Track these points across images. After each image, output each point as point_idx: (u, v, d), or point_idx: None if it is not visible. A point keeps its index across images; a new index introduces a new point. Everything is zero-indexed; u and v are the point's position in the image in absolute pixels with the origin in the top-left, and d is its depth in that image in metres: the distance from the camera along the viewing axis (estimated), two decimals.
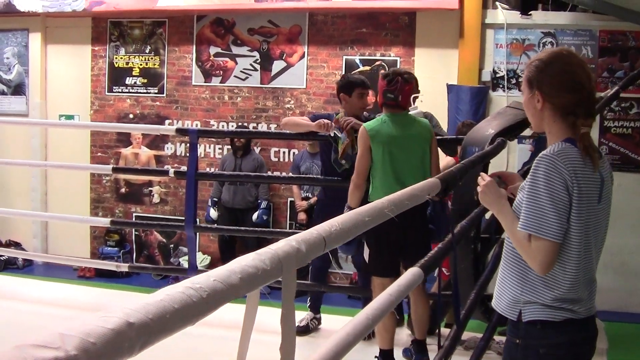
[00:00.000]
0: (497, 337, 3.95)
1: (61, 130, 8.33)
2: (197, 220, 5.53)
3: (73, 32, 8.20)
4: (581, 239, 1.95)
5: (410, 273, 2.12)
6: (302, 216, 7.05)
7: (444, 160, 4.68)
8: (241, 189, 7.18)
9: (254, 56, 7.67)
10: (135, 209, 8.15)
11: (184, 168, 5.52)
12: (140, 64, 8.05)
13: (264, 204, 7.23)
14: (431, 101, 6.06)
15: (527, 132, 4.14)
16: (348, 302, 6.36)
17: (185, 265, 7.19)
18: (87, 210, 8.23)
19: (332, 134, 4.24)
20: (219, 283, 0.91)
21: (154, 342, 0.79)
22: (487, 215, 3.91)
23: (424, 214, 3.82)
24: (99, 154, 8.21)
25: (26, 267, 8.12)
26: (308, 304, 4.59)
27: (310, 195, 6.95)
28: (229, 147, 7.55)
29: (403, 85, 3.81)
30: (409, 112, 3.97)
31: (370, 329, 1.77)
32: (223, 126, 7.76)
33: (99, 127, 7.96)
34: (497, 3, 6.90)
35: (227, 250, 7.15)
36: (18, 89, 8.45)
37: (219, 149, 7.81)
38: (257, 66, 7.66)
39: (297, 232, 1.43)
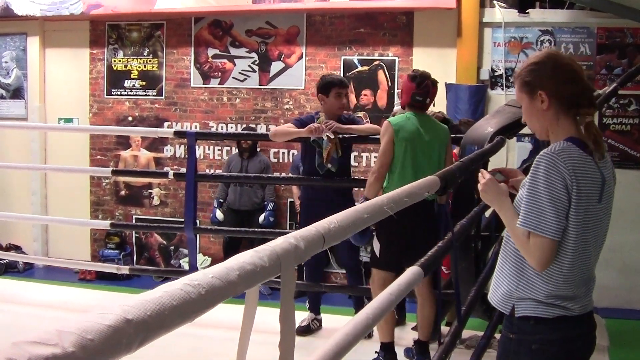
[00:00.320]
0: (498, 335, 3.95)
1: (60, 134, 8.34)
2: (198, 221, 5.54)
3: (71, 36, 8.21)
4: (578, 238, 1.95)
5: (410, 272, 2.12)
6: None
7: None
8: (247, 191, 7.15)
9: (252, 57, 7.67)
10: (135, 211, 8.14)
11: (183, 170, 5.52)
12: (139, 67, 8.05)
13: (270, 206, 7.21)
14: None
15: (525, 129, 4.14)
16: (348, 302, 6.34)
17: (186, 266, 7.19)
18: (87, 213, 8.23)
19: (324, 137, 4.23)
20: (217, 280, 0.91)
21: (153, 339, 0.79)
22: (487, 214, 3.91)
23: (434, 215, 3.83)
24: (99, 156, 8.21)
25: (27, 271, 8.12)
26: (307, 306, 4.59)
27: None
28: (234, 148, 7.54)
29: (431, 89, 3.93)
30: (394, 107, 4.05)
31: (371, 328, 1.77)
32: (222, 127, 7.76)
33: (98, 131, 7.96)
34: (495, 2, 6.91)
35: (231, 252, 7.13)
36: (17, 92, 8.45)
37: (218, 150, 7.81)
38: (256, 67, 7.67)
39: None
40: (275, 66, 7.60)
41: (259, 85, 7.66)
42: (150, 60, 8.00)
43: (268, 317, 2.15)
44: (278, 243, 1.14)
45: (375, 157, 7.21)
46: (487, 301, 3.84)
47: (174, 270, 7.36)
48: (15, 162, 7.84)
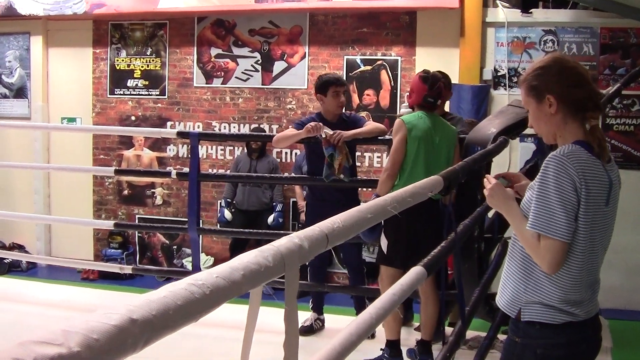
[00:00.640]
0: (501, 336, 3.95)
1: (63, 133, 8.35)
2: (201, 222, 5.54)
3: (74, 35, 8.22)
4: (587, 241, 1.96)
5: (414, 272, 2.12)
6: (304, 216, 7.04)
7: None
8: (255, 191, 7.14)
9: (255, 57, 7.67)
10: (138, 210, 8.15)
11: (186, 169, 5.53)
12: (142, 66, 8.06)
13: (279, 207, 7.19)
14: None
15: (528, 130, 4.14)
16: (351, 302, 6.35)
17: (189, 266, 7.20)
18: (90, 213, 8.24)
19: (322, 134, 4.21)
20: (221, 280, 0.91)
21: (157, 339, 0.79)
22: (490, 215, 3.91)
23: (440, 215, 3.83)
24: (102, 156, 8.22)
25: (30, 270, 8.13)
26: (310, 306, 4.60)
27: None
28: (237, 147, 7.54)
29: (443, 90, 4.00)
30: (401, 110, 4.05)
31: (374, 328, 1.78)
32: (225, 127, 7.76)
33: (101, 131, 7.96)
34: (498, 1, 6.90)
35: (237, 252, 7.11)
36: (20, 92, 8.46)
37: (221, 149, 7.81)
38: (258, 67, 7.67)
39: None
40: (278, 66, 7.60)
41: (262, 85, 7.66)
42: (153, 60, 8.01)
43: (271, 317, 2.15)
44: (282, 243, 1.15)
45: (377, 156, 7.22)
46: (490, 302, 3.85)
47: (177, 270, 7.37)
48: (18, 161, 7.85)
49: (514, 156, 6.62)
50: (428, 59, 6.98)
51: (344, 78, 6.45)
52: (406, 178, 3.74)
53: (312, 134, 4.24)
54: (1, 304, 4.81)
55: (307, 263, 4.32)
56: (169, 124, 7.92)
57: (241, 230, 6.31)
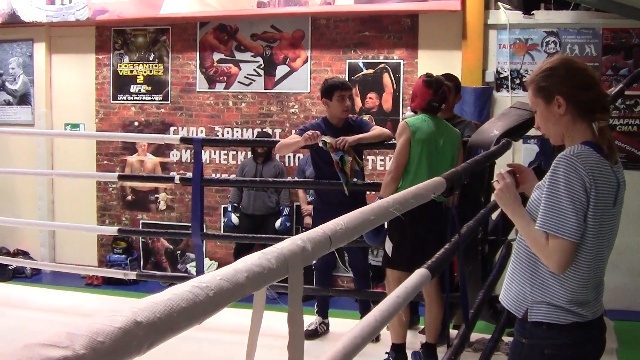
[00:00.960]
0: (505, 338, 3.94)
1: (67, 139, 8.37)
2: (204, 227, 5.55)
3: (77, 41, 8.25)
4: (595, 241, 1.96)
5: (418, 274, 2.12)
6: (308, 220, 7.04)
7: None
8: (261, 195, 7.13)
9: (258, 61, 7.69)
10: (142, 216, 8.16)
11: (189, 174, 5.53)
12: (144, 72, 8.08)
13: (286, 211, 7.18)
14: None
15: (531, 132, 4.14)
16: (355, 306, 6.34)
17: (193, 271, 7.21)
18: (94, 218, 8.26)
19: (320, 143, 4.21)
20: (225, 282, 0.91)
21: (162, 341, 0.80)
22: (494, 217, 3.91)
23: (445, 219, 3.83)
24: (105, 161, 8.24)
25: (34, 276, 8.14)
26: (315, 309, 4.59)
27: None
28: (240, 152, 7.55)
29: (447, 95, 4.01)
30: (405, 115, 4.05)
31: (379, 331, 1.77)
32: (228, 132, 7.77)
33: (104, 137, 7.99)
34: (500, 3, 6.90)
35: (241, 257, 7.11)
36: (23, 98, 8.49)
37: (224, 154, 7.82)
38: (261, 71, 7.68)
39: None
40: (281, 70, 7.62)
41: (265, 89, 7.68)
42: (155, 65, 8.03)
43: (275, 321, 2.15)
44: (285, 245, 1.15)
45: (381, 159, 7.22)
46: (494, 304, 3.85)
47: (181, 275, 7.37)
48: (22, 167, 7.86)
49: (517, 158, 6.62)
50: (430, 61, 6.99)
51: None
52: (410, 181, 3.73)
53: (311, 142, 4.23)
54: (5, 310, 4.81)
55: (312, 267, 4.32)
56: (172, 129, 7.93)
57: (245, 235, 6.30)
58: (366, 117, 6.90)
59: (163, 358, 1.66)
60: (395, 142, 4.02)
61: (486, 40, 6.92)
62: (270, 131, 7.60)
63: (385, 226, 3.92)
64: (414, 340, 4.19)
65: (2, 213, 7.49)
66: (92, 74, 8.23)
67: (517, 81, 6.87)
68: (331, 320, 4.57)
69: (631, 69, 6.51)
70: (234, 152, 7.77)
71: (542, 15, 6.83)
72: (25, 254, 8.31)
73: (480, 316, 3.43)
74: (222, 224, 7.63)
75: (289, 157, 7.58)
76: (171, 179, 5.62)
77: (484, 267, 3.85)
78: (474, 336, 3.93)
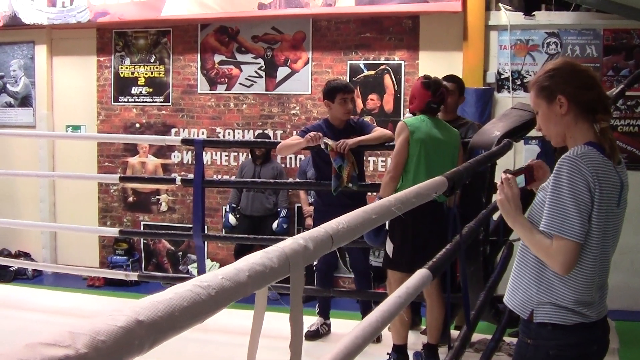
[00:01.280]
0: (507, 339, 3.94)
1: (68, 141, 8.38)
2: (206, 228, 5.54)
3: (78, 44, 8.25)
4: (599, 242, 1.96)
5: (419, 274, 2.12)
6: (309, 221, 7.04)
7: None
8: (259, 196, 7.13)
9: (259, 63, 7.69)
10: (143, 217, 8.17)
11: (191, 176, 5.53)
12: (146, 74, 8.08)
13: (283, 212, 7.17)
14: None
15: (533, 132, 4.14)
16: (357, 306, 6.34)
17: (194, 272, 7.21)
18: (96, 220, 8.26)
19: (322, 145, 4.21)
20: (226, 281, 0.91)
21: (164, 340, 0.80)
22: (495, 217, 3.91)
23: (446, 220, 3.82)
24: (106, 163, 8.25)
25: (36, 278, 8.15)
26: (317, 310, 4.59)
27: None
28: (241, 153, 7.55)
29: (445, 96, 4.02)
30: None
31: (380, 332, 1.77)
32: (229, 133, 7.77)
33: (105, 139, 8.00)
34: (500, 4, 6.90)
35: (242, 257, 7.12)
36: (25, 100, 8.50)
37: (226, 155, 7.83)
38: (262, 73, 7.68)
39: None
40: (282, 72, 7.62)
41: (266, 90, 7.68)
42: (157, 67, 8.03)
43: (277, 321, 2.16)
44: (287, 244, 1.15)
45: (382, 160, 7.22)
46: (496, 305, 3.85)
47: (183, 276, 7.37)
48: (24, 169, 7.87)
49: (518, 159, 6.61)
50: (431, 63, 7.00)
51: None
52: (409, 180, 3.74)
53: (313, 144, 4.24)
54: (7, 311, 4.82)
55: (314, 268, 4.32)
56: (173, 130, 7.94)
57: (246, 236, 6.31)
58: (367, 119, 6.90)
59: (168, 358, 1.66)
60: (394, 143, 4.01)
61: (487, 41, 6.92)
62: (271, 133, 7.60)
63: (387, 227, 3.92)
64: (416, 341, 4.19)
65: (4, 215, 7.50)
66: (93, 76, 8.24)
67: (518, 82, 6.86)
68: (332, 321, 4.57)
69: (632, 70, 6.50)
70: (235, 154, 7.78)
71: (542, 16, 6.83)
72: (26, 256, 8.31)
73: (482, 317, 3.43)
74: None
75: (290, 158, 7.58)
76: (172, 181, 5.63)
77: (486, 267, 3.85)
78: (476, 337, 3.93)
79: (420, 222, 3.64)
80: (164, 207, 8.09)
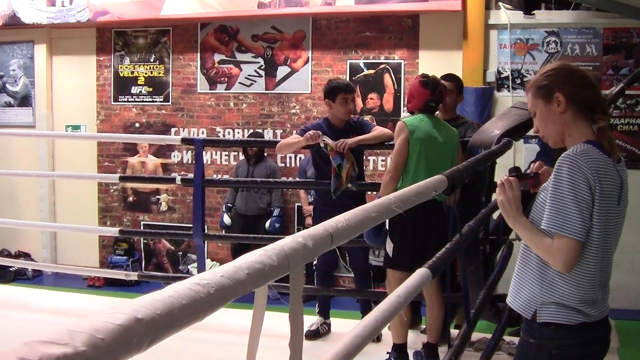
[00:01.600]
0: (507, 338, 3.94)
1: (68, 141, 8.38)
2: (206, 227, 5.54)
3: (78, 43, 8.25)
4: (600, 239, 1.96)
5: (419, 274, 2.12)
6: (309, 221, 7.03)
7: None
8: (253, 196, 7.13)
9: (259, 62, 7.69)
10: (143, 217, 8.17)
11: (190, 175, 5.53)
12: (145, 73, 8.08)
13: (277, 212, 7.17)
14: None
15: (532, 131, 4.14)
16: (357, 306, 6.34)
17: (195, 272, 7.20)
18: (96, 220, 8.26)
19: (321, 144, 4.21)
20: (225, 279, 0.91)
21: (163, 339, 0.79)
22: (495, 216, 3.90)
23: (446, 219, 3.82)
24: (106, 163, 8.25)
25: (36, 278, 8.15)
26: (317, 310, 4.59)
27: None
28: (241, 153, 7.55)
29: (444, 94, 4.02)
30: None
31: (380, 331, 1.77)
32: (229, 133, 7.77)
33: (105, 138, 8.00)
34: (500, 3, 6.90)
35: (239, 256, 7.13)
36: (24, 100, 8.50)
37: (225, 155, 7.83)
38: (262, 72, 7.68)
39: None
40: (282, 71, 7.62)
41: (266, 90, 7.68)
42: (156, 67, 8.03)
43: (277, 321, 2.15)
44: (286, 242, 1.15)
45: (382, 160, 7.22)
46: (496, 304, 3.85)
47: (183, 276, 7.37)
48: (24, 169, 7.88)
49: (518, 158, 6.61)
50: (431, 62, 6.99)
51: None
52: (409, 180, 3.73)
53: (312, 142, 4.23)
54: (7, 311, 4.81)
55: (313, 267, 4.31)
56: (173, 130, 7.94)
57: (246, 235, 6.30)
58: (367, 118, 6.90)
59: (164, 358, 1.66)
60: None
61: (487, 40, 6.92)
62: (271, 132, 7.60)
63: (387, 226, 3.92)
64: (416, 340, 4.19)
65: (4, 215, 7.49)
66: (93, 76, 8.24)
67: (518, 81, 6.86)
68: (332, 321, 4.57)
69: (632, 69, 6.51)
70: (235, 153, 7.77)
71: (542, 15, 6.83)
72: (26, 256, 8.31)
73: (482, 316, 3.43)
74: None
75: (290, 157, 7.59)
76: (172, 180, 5.63)
77: (486, 266, 3.85)
78: (475, 336, 3.93)
79: (420, 221, 3.64)
80: (164, 207, 8.09)
